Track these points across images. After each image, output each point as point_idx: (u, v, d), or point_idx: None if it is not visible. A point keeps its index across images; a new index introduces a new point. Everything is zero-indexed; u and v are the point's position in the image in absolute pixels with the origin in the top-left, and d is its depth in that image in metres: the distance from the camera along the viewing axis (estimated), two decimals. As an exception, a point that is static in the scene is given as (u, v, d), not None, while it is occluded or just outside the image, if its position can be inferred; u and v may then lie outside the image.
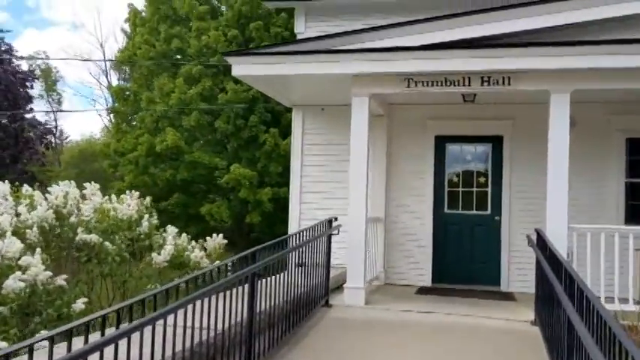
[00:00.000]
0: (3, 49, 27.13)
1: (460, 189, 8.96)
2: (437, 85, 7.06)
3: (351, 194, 7.22)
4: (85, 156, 31.30)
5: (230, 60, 7.27)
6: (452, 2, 8.21)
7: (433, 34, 6.80)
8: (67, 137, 42.48)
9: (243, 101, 18.65)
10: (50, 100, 35.58)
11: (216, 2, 21.29)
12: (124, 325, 3.04)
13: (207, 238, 7.16)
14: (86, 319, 2.73)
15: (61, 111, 35.60)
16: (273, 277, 5.29)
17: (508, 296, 8.12)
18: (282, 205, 16.52)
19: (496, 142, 8.81)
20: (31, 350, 2.34)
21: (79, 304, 5.45)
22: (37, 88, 33.31)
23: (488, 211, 8.80)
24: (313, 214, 8.82)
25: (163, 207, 20.07)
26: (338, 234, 7.18)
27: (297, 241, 6.07)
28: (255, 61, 7.18)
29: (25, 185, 6.78)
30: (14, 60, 24.68)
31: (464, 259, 8.80)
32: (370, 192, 8.57)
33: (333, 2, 9.25)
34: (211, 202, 19.50)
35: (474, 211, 8.85)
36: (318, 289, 6.77)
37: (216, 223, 19.31)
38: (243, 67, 7.23)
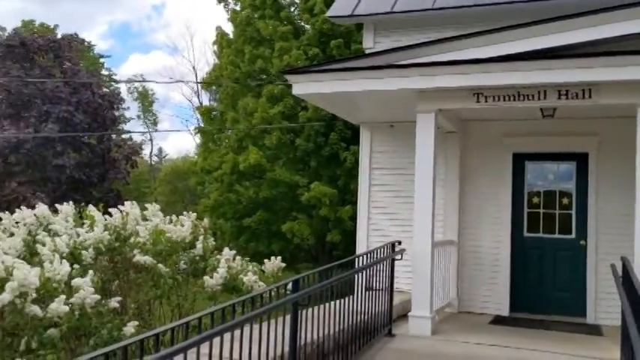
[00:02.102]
0: (106, 73, 28.97)
1: (541, 210, 8.26)
2: (509, 100, 6.52)
3: (416, 217, 6.81)
4: (177, 173, 32.59)
5: (290, 79, 7.12)
6: (524, 13, 7.63)
7: (502, 46, 6.30)
8: (165, 156, 44.62)
9: (324, 119, 18.59)
10: (146, 120, 37.46)
11: (299, 22, 21.48)
12: (151, 356, 2.88)
13: (265, 260, 7.00)
14: (108, 349, 2.65)
15: (157, 131, 37.36)
16: (328, 303, 5.01)
17: (594, 330, 7.32)
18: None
19: (581, 159, 8.07)
20: None
21: (130, 328, 5.40)
22: (133, 110, 35.27)
23: (573, 235, 8.04)
24: (381, 236, 8.44)
25: (247, 224, 20.37)
26: (401, 259, 6.77)
27: (359, 264, 5.76)
28: (314, 78, 6.97)
29: (90, 205, 6.94)
30: (113, 84, 26.19)
31: (545, 286, 8.08)
32: (441, 213, 8.13)
33: (402, 17, 8.91)
34: (293, 219, 19.51)
35: (557, 235, 8.13)
36: (380, 317, 6.39)
37: (298, 241, 19.30)
38: (302, 86, 7.04)
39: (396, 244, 6.70)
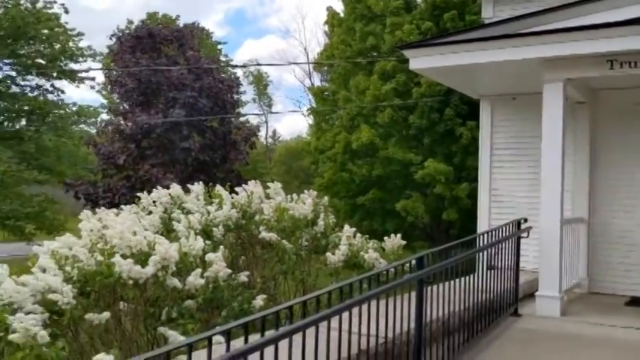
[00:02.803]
0: (223, 59, 30.18)
1: (684, 184, 7.57)
2: (647, 66, 6.00)
3: (543, 193, 6.50)
4: (291, 154, 33.42)
5: (407, 53, 7.00)
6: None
7: (628, 9, 5.78)
8: (279, 137, 45.91)
9: (438, 94, 18.15)
10: (261, 103, 38.63)
11: (411, -5, 21.03)
12: (284, 328, 3.02)
13: (385, 238, 7.00)
14: (247, 320, 2.82)
15: (271, 113, 38.41)
16: (452, 281, 4.95)
17: None
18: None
19: None
20: (210, 342, 2.59)
21: (259, 301, 5.65)
22: (250, 93, 36.54)
23: None
24: (504, 213, 8.15)
25: (360, 203, 20.49)
26: (528, 236, 6.52)
27: (482, 243, 5.62)
28: (432, 52, 6.80)
29: (217, 185, 7.30)
30: (230, 69, 27.21)
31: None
32: (570, 189, 7.69)
33: (524, -18, 8.43)
34: (407, 197, 19.35)
35: None
36: (506, 296, 6.20)
37: (413, 219, 19.14)
38: (420, 60, 6.90)
39: (522, 221, 6.45)
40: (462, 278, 5.13)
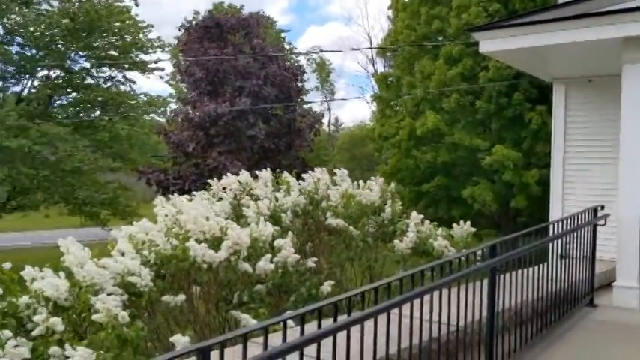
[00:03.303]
0: (286, 47, 30.41)
1: None
2: None
3: (621, 180, 6.23)
4: (355, 141, 33.39)
5: (477, 36, 6.82)
6: None
7: None
8: (341, 124, 45.93)
9: (506, 78, 17.66)
10: (324, 90, 38.69)
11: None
12: (356, 313, 3.05)
13: (454, 225, 6.89)
14: (320, 305, 2.86)
15: (332, 100, 38.42)
16: (525, 269, 4.85)
17: None
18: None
19: None
20: (284, 325, 2.64)
21: (327, 287, 5.71)
22: (312, 81, 36.70)
23: None
24: (578, 201, 7.86)
25: (425, 190, 20.28)
26: (605, 224, 6.26)
27: (556, 231, 5.45)
28: (504, 34, 6.60)
29: (284, 172, 7.40)
30: (293, 57, 27.40)
31: None
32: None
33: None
34: (474, 184, 18.99)
35: None
36: (581, 286, 6.01)
37: (479, 207, 18.79)
38: (490, 43, 6.70)
39: (599, 208, 6.20)
40: (532, 268, 5.02)
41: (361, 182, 7.29)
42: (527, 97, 17.73)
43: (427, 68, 19.61)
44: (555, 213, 8.27)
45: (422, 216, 6.74)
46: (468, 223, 6.87)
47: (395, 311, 3.26)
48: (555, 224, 5.51)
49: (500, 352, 4.37)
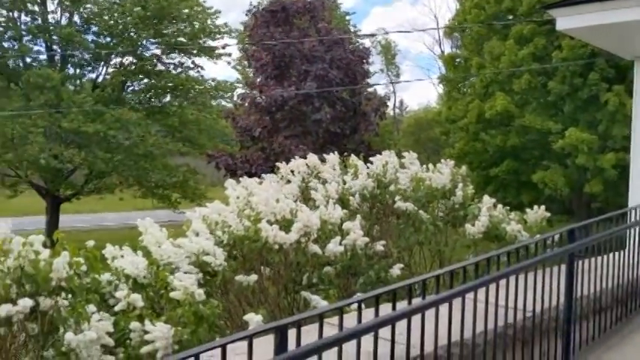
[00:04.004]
0: (351, 30, 30.21)
1: None
2: None
3: (632, 171, 5.96)
4: (420, 124, 32.94)
5: (552, 13, 6.52)
6: None
7: None
8: (406, 107, 45.40)
9: (581, 57, 16.93)
10: (389, 73, 38.28)
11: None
12: (431, 297, 3.03)
13: (527, 210, 6.69)
14: (394, 287, 2.86)
15: (397, 82, 37.96)
16: (602, 256, 4.68)
17: None
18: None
19: None
20: (359, 306, 2.67)
21: (396, 270, 5.70)
22: (377, 63, 36.42)
23: None
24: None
25: (494, 174, 19.81)
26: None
27: (637, 217, 5.22)
28: (583, 10, 6.29)
29: (351, 155, 7.40)
30: (358, 40, 27.18)
31: None
32: None
33: None
34: (545, 168, 18.40)
35: None
36: (664, 274, 5.73)
37: (550, 192, 18.22)
38: (568, 20, 6.40)
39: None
40: (611, 254, 4.84)
41: (430, 165, 7.20)
42: (603, 78, 16.95)
43: (497, 49, 19.05)
44: (635, 198, 7.89)
45: (494, 200, 6.59)
46: (542, 207, 6.66)
47: (470, 296, 3.22)
48: (635, 210, 5.27)
49: (578, 340, 4.24)
